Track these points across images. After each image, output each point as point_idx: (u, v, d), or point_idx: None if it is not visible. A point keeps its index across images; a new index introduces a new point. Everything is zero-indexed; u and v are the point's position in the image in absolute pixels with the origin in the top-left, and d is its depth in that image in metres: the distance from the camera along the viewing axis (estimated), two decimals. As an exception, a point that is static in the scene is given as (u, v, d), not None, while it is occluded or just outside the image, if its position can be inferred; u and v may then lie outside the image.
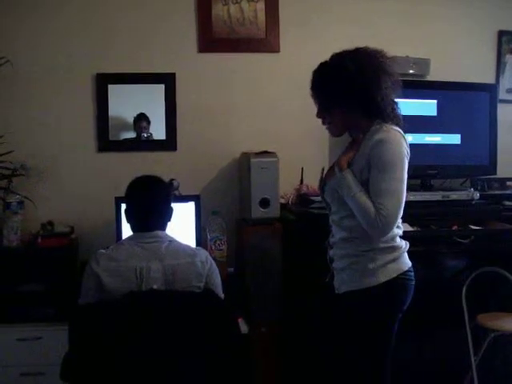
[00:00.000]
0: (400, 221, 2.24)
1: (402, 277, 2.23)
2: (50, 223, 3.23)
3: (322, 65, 2.36)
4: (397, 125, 2.25)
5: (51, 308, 3.02)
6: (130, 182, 2.44)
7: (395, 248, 2.25)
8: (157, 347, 2.07)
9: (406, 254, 2.29)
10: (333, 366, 2.48)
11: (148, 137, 3.48)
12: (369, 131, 2.24)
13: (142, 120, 3.47)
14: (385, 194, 2.14)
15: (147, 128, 3.48)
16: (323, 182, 2.43)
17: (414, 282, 2.28)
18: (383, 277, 2.20)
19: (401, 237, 2.30)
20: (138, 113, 3.46)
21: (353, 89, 2.22)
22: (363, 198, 2.17)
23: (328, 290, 2.39)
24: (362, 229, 2.20)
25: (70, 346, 2.21)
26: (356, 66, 2.22)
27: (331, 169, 2.40)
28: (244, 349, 2.31)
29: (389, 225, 2.14)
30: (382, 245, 2.22)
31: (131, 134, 3.48)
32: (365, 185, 2.20)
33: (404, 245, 2.29)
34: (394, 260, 2.23)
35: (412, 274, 2.27)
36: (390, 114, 2.25)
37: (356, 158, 2.26)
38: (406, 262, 2.27)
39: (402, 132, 2.23)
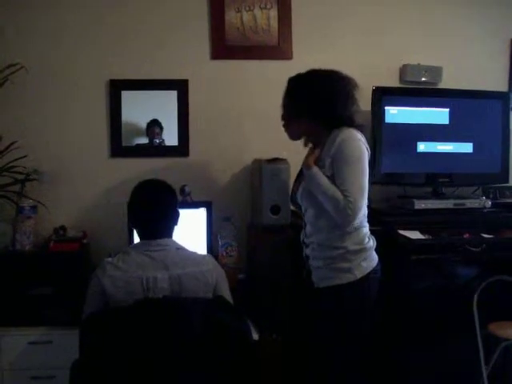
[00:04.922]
0: (366, 219, 2.55)
1: (373, 272, 2.52)
2: (63, 228, 3.25)
3: (301, 76, 2.62)
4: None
5: (62, 312, 3.02)
6: (134, 186, 2.44)
7: (365, 249, 2.52)
8: (167, 355, 2.06)
9: (373, 251, 2.57)
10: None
11: (160, 143, 3.50)
12: (331, 134, 2.50)
13: (154, 126, 3.49)
14: (350, 182, 2.40)
15: (160, 134, 3.50)
16: (295, 187, 2.73)
17: (380, 274, 2.57)
18: (359, 273, 2.48)
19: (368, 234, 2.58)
20: (151, 119, 3.48)
21: (324, 104, 2.51)
22: (332, 189, 2.42)
23: (306, 285, 2.67)
24: (337, 230, 2.47)
25: (80, 354, 2.21)
26: (331, 85, 2.52)
27: (300, 175, 2.69)
28: (254, 356, 2.30)
29: (356, 211, 2.39)
30: (354, 247, 2.49)
31: (144, 140, 3.50)
32: (330, 180, 2.45)
33: (372, 243, 2.56)
34: (365, 259, 2.51)
35: (379, 267, 2.56)
36: (353, 125, 2.53)
37: (320, 158, 2.52)
38: (374, 259, 2.56)
39: (360, 133, 2.51)
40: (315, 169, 2.49)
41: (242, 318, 2.27)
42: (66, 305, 3.00)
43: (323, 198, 2.44)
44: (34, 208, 3.19)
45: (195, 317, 2.11)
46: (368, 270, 2.50)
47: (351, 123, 2.53)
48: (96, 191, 3.44)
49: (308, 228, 2.62)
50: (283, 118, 2.67)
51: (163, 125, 3.49)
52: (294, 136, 2.68)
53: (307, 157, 2.57)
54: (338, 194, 2.39)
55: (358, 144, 2.46)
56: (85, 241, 3.25)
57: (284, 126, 2.68)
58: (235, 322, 2.22)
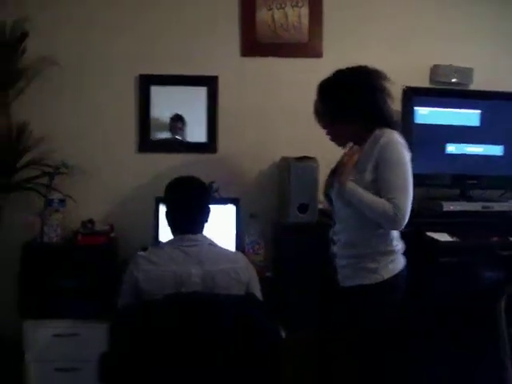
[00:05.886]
0: None
1: (400, 274, 2.49)
2: (91, 221, 3.25)
3: (330, 79, 2.55)
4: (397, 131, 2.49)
5: (88, 305, 3.03)
6: (168, 183, 2.45)
7: (394, 251, 2.49)
8: (197, 351, 2.07)
9: (401, 254, 2.54)
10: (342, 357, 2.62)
11: (183, 138, 3.51)
12: (371, 136, 2.46)
13: (177, 121, 3.50)
14: (397, 188, 2.36)
15: (182, 129, 3.51)
16: (330, 183, 2.65)
17: (406, 278, 2.53)
18: (386, 274, 2.46)
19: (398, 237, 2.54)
20: (174, 114, 3.48)
21: (365, 103, 2.46)
22: (375, 201, 2.38)
23: (332, 284, 2.63)
24: (367, 230, 2.45)
25: (111, 347, 2.23)
26: (366, 82, 2.47)
27: (335, 171, 2.61)
28: (282, 354, 2.29)
29: (405, 216, 2.35)
30: (383, 248, 2.47)
31: (167, 135, 3.51)
32: (373, 184, 2.41)
33: (401, 247, 2.53)
34: (393, 261, 2.48)
35: (405, 271, 2.53)
36: (393, 123, 2.50)
37: (361, 160, 2.46)
38: (402, 262, 2.53)
39: (401, 136, 2.46)
40: (349, 186, 2.42)
41: (272, 316, 2.28)
42: (93, 298, 3.02)
43: (369, 211, 2.40)
44: (62, 201, 3.21)
45: (226, 313, 2.11)
46: (395, 272, 2.48)
47: (391, 122, 2.49)
48: (124, 185, 3.46)
49: (337, 226, 2.60)
50: (324, 127, 2.61)
51: (192, 121, 3.49)
52: (341, 142, 2.62)
53: (341, 174, 2.47)
54: (384, 203, 2.35)
55: (401, 148, 2.41)
56: (112, 234, 3.26)
57: (328, 134, 2.61)
58: (266, 320, 2.22)
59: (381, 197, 2.38)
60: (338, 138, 2.61)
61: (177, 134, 3.51)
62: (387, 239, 2.48)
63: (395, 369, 2.60)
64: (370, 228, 2.45)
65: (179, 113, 3.49)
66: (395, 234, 2.51)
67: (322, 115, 2.60)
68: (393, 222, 2.36)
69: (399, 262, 2.51)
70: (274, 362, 2.22)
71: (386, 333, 2.48)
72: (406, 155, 2.42)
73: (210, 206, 2.46)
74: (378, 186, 2.41)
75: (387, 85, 2.49)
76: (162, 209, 2.47)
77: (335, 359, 2.66)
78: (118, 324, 2.21)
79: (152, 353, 2.08)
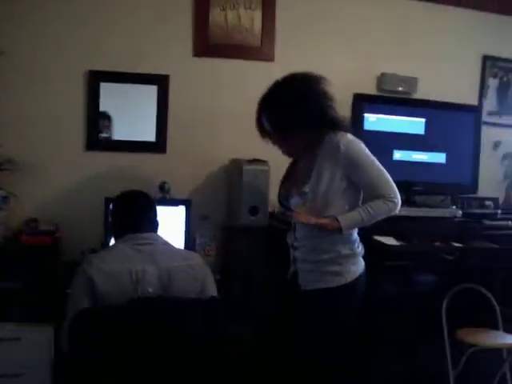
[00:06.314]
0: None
1: (361, 277, 2.54)
2: (35, 220, 3.14)
3: (273, 93, 2.52)
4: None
5: (31, 308, 2.90)
6: (117, 195, 2.47)
7: (355, 254, 2.55)
8: (157, 354, 2.05)
9: (361, 257, 2.59)
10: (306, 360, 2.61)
11: (108, 137, 3.41)
12: (326, 141, 2.47)
13: (104, 119, 3.40)
14: (379, 182, 2.43)
15: (108, 127, 3.41)
16: (284, 190, 2.67)
17: (365, 280, 2.58)
18: (349, 277, 2.50)
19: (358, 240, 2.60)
20: (100, 111, 3.37)
21: (309, 109, 2.44)
22: (371, 210, 2.42)
23: (290, 287, 2.64)
24: (331, 236, 2.46)
25: (70, 353, 2.14)
26: (307, 89, 2.46)
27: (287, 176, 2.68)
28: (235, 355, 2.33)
29: (399, 197, 2.44)
30: (346, 252, 2.51)
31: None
32: (349, 189, 2.47)
33: (361, 249, 2.58)
34: (355, 264, 2.54)
35: (365, 273, 2.58)
36: (344, 125, 2.51)
37: (325, 166, 2.45)
38: (362, 265, 2.58)
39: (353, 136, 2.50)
40: (343, 224, 2.41)
41: (233, 318, 2.29)
42: (36, 301, 2.89)
43: (375, 221, 2.46)
44: (5, 199, 3.08)
45: (190, 317, 2.13)
46: (356, 275, 2.52)
47: (340, 125, 2.50)
48: (71, 184, 3.33)
49: (299, 232, 2.59)
50: (275, 142, 2.58)
51: (141, 120, 3.43)
52: (292, 153, 2.63)
53: (327, 225, 2.44)
54: (380, 206, 2.40)
55: (361, 145, 2.47)
56: (57, 235, 3.14)
57: (281, 148, 2.59)
58: (226, 322, 2.24)
59: (364, 195, 2.49)
60: (290, 151, 2.61)
61: (103, 132, 3.40)
62: (349, 242, 2.52)
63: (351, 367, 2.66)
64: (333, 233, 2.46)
65: (131, 111, 3.42)
66: (356, 237, 2.56)
67: (269, 132, 2.55)
68: (395, 209, 2.43)
69: (360, 265, 2.56)
70: (228, 363, 2.24)
71: (348, 334, 2.53)
72: (366, 149, 2.48)
73: (162, 206, 2.56)
74: (361, 188, 2.48)
75: (328, 88, 2.49)
76: (111, 222, 2.50)
77: (294, 361, 2.67)
78: (77, 330, 2.12)
79: (113, 358, 2.04)
